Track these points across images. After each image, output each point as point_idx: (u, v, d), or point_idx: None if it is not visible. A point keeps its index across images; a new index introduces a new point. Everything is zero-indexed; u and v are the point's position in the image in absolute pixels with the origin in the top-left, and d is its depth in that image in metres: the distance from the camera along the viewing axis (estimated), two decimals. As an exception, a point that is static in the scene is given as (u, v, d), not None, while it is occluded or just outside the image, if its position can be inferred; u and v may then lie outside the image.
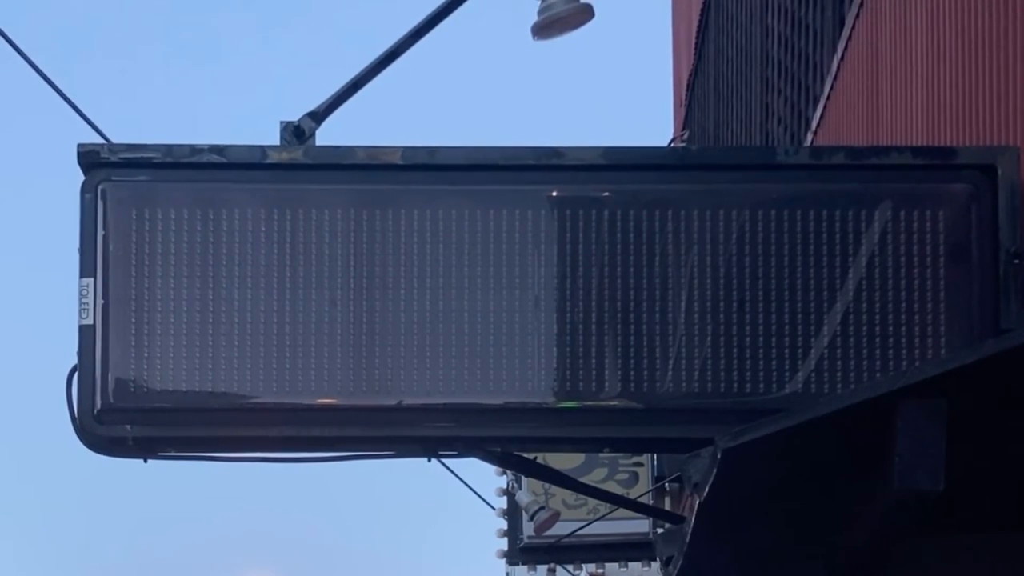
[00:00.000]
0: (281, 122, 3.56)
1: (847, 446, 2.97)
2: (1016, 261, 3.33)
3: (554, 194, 3.43)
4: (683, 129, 9.86)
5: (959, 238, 3.38)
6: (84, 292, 3.37)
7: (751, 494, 3.06)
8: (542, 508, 8.30)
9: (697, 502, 2.90)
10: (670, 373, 3.38)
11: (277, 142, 3.54)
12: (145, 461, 3.48)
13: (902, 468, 2.80)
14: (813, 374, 3.38)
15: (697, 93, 9.25)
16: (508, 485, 10.16)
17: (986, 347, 2.81)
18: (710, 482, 2.81)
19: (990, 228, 3.37)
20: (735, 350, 3.38)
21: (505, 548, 10.95)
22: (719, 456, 2.76)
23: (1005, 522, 3.23)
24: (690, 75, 9.53)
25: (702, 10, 8.75)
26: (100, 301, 3.37)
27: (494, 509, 10.62)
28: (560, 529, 9.43)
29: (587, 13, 4.37)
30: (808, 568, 3.31)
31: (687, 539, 3.04)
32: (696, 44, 9.10)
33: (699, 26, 8.92)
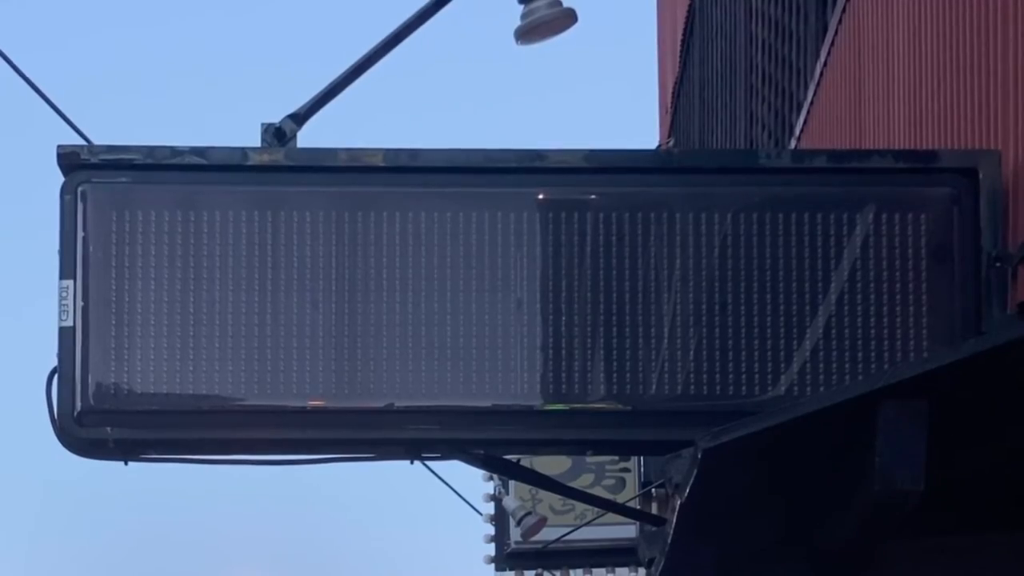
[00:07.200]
0: (262, 124, 3.55)
1: (828, 446, 2.98)
2: (997, 264, 3.34)
3: (538, 197, 3.44)
4: (669, 136, 9.87)
5: (941, 241, 3.39)
6: (64, 294, 3.37)
7: (732, 494, 3.06)
8: (529, 513, 8.28)
9: (678, 502, 2.91)
10: (655, 376, 3.38)
11: (258, 144, 3.54)
12: (126, 463, 3.47)
13: (882, 468, 2.80)
14: (796, 376, 3.38)
15: (682, 100, 9.27)
16: (495, 490, 10.16)
17: (965, 348, 2.83)
18: (691, 482, 2.81)
19: (971, 231, 3.38)
20: (719, 352, 3.39)
21: (492, 553, 10.94)
22: (699, 456, 2.76)
23: (986, 523, 3.24)
24: (675, 82, 9.55)
25: (687, 17, 8.77)
26: (80, 303, 3.36)
27: (481, 514, 10.62)
28: (547, 535, 9.42)
29: (570, 18, 4.37)
30: (790, 568, 3.31)
31: (668, 540, 3.04)
32: (681, 51, 9.11)
33: (684, 33, 8.94)
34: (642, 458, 10.23)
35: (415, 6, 3.88)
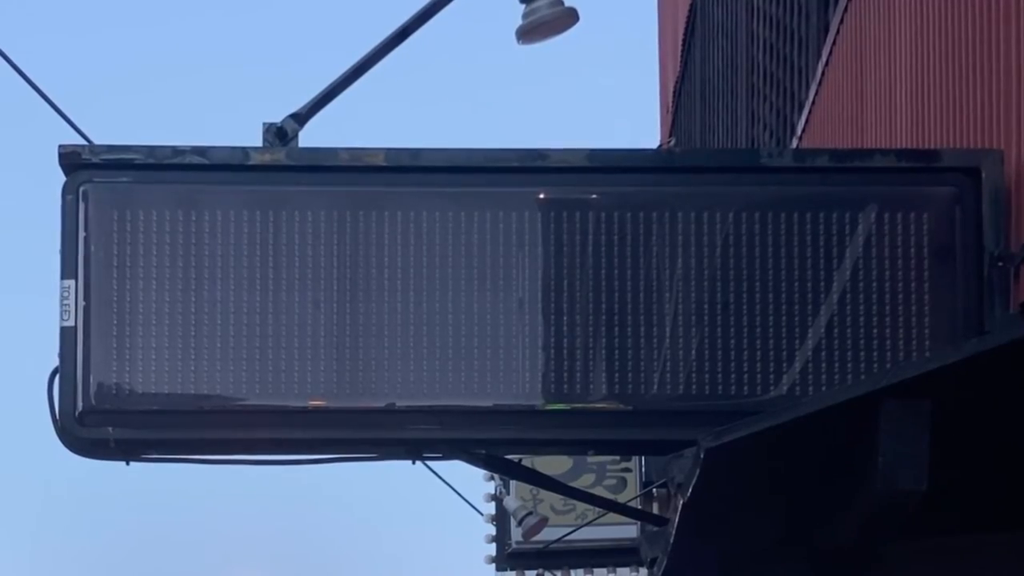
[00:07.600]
0: (264, 123, 3.56)
1: (831, 446, 2.97)
2: (999, 264, 3.33)
3: (539, 196, 3.44)
4: (670, 135, 9.87)
5: (943, 241, 3.39)
6: (65, 294, 3.37)
7: (734, 494, 3.06)
8: (530, 513, 8.29)
9: (680, 502, 2.91)
10: (657, 375, 3.38)
11: (260, 144, 3.54)
12: (127, 463, 3.47)
13: (885, 468, 2.80)
14: (799, 376, 3.38)
15: (684, 99, 9.27)
16: (496, 490, 10.15)
17: (968, 347, 2.83)
18: (693, 482, 2.81)
19: (974, 231, 3.38)
20: (721, 352, 3.39)
21: (493, 553, 10.94)
22: (702, 456, 2.76)
23: (989, 522, 3.24)
24: (676, 81, 9.55)
25: (688, 16, 8.77)
26: (82, 303, 3.36)
27: (482, 514, 10.62)
28: (548, 535, 9.42)
29: (572, 17, 4.38)
30: (792, 568, 3.31)
31: (671, 540, 3.04)
32: (682, 50, 9.11)
33: (685, 32, 8.94)
34: (643, 458, 10.23)
35: (416, 6, 3.88)
